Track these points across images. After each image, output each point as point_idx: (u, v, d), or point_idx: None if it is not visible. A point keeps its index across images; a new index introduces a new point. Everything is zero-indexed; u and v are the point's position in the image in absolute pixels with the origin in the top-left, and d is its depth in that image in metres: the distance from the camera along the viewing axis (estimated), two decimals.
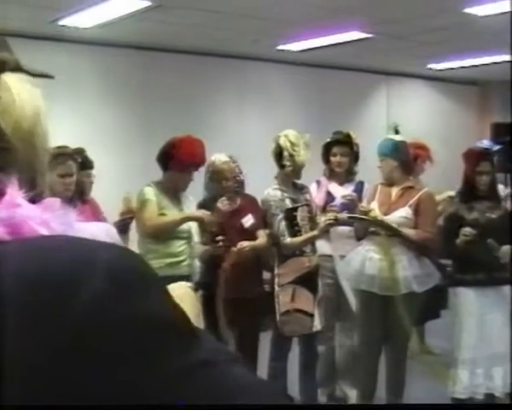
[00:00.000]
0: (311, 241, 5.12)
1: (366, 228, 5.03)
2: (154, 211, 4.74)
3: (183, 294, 1.52)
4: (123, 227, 4.82)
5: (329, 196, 5.45)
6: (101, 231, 1.29)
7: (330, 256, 5.52)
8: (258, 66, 9.42)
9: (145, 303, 0.75)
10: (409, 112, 10.78)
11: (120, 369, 0.69)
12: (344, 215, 4.97)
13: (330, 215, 4.98)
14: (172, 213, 4.83)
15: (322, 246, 5.46)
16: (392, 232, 4.89)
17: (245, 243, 4.81)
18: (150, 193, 4.79)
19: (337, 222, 4.99)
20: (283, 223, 5.03)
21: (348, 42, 8.09)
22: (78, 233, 0.83)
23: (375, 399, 5.28)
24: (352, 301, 5.30)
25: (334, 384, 5.87)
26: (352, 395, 5.66)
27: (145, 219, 4.77)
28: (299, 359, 5.44)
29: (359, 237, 5.20)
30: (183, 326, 0.76)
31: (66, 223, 0.84)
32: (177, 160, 4.76)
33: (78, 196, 4.49)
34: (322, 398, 5.68)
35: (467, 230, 4.87)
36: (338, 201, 5.33)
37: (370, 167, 5.48)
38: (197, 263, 5.01)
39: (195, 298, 1.57)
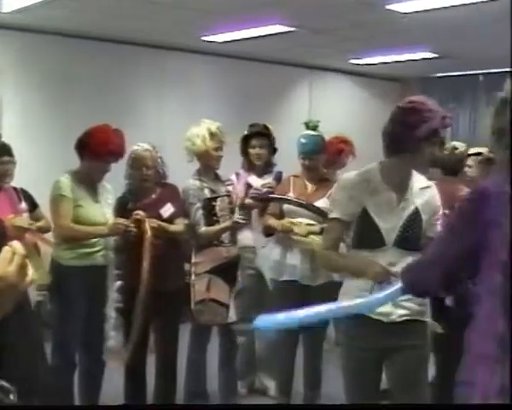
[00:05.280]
0: (226, 231, 5.10)
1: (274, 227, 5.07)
2: (68, 213, 4.69)
3: None
4: None
5: (249, 188, 5.46)
6: None
7: (252, 247, 5.54)
8: (181, 56, 9.36)
9: None
10: (332, 106, 10.84)
11: None
12: (267, 195, 4.99)
13: (238, 216, 5.01)
14: (88, 205, 4.80)
15: (244, 237, 5.48)
16: (320, 214, 4.89)
17: (155, 221, 4.75)
18: (65, 186, 4.72)
19: (244, 222, 5.09)
20: (200, 212, 5.02)
21: (271, 35, 8.10)
22: None
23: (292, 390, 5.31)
24: None
25: (254, 376, 5.90)
26: (272, 387, 5.69)
27: (60, 225, 4.74)
28: (218, 351, 5.43)
29: (267, 234, 5.21)
30: None
31: None
32: (91, 149, 4.71)
33: None
34: (241, 390, 5.69)
35: None
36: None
37: (290, 159, 5.47)
38: (112, 254, 4.97)
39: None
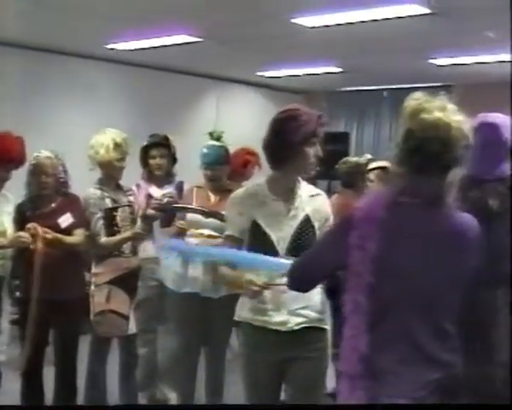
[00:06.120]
0: (127, 241, 5.08)
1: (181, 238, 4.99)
2: None
3: None
4: None
5: (150, 199, 5.41)
6: None
7: (155, 258, 5.49)
8: (86, 63, 9.26)
9: None
10: (238, 118, 10.91)
11: None
12: (169, 205, 4.97)
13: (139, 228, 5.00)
14: None
15: (147, 248, 5.43)
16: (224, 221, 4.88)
17: (49, 231, 4.61)
18: None
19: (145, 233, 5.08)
20: (100, 222, 4.98)
21: (178, 45, 8.10)
22: None
23: (194, 401, 5.28)
24: None
25: (155, 387, 5.84)
26: (173, 398, 5.65)
27: None
28: (118, 362, 5.38)
29: (164, 225, 5.18)
30: None
31: None
32: None
33: None
34: (142, 401, 5.64)
35: None
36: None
37: (196, 170, 5.45)
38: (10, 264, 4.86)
39: None
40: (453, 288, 2.48)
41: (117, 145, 5.01)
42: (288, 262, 3.00)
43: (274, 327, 3.45)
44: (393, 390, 2.42)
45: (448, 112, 2.46)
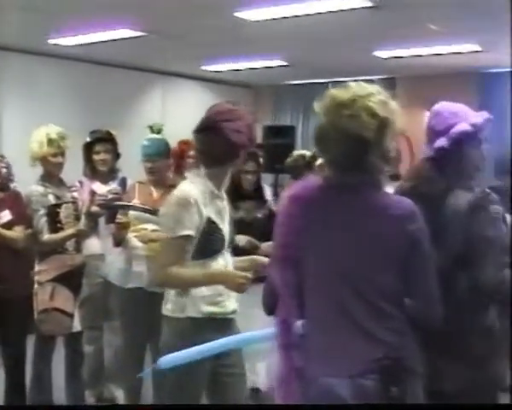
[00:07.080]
0: (71, 238, 5.04)
1: (124, 234, 4.91)
2: None
3: None
4: None
5: (94, 196, 5.35)
6: None
7: (100, 255, 5.45)
8: (30, 59, 9.13)
9: None
10: (184, 112, 10.83)
11: None
12: (114, 202, 4.93)
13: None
14: None
15: (91, 245, 5.38)
16: None
17: None
18: None
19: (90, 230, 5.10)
20: (44, 219, 4.93)
21: (121, 39, 8.04)
22: None
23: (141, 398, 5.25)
24: None
25: (102, 386, 5.79)
26: (120, 396, 5.61)
27: None
28: (64, 360, 5.33)
29: (117, 243, 5.08)
30: None
31: None
32: None
33: None
34: (90, 399, 5.59)
35: None
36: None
37: (136, 166, 5.40)
38: None
39: None
40: (384, 267, 2.49)
41: (51, 141, 4.98)
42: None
43: (230, 316, 3.54)
44: (330, 369, 2.44)
45: (364, 98, 2.52)
